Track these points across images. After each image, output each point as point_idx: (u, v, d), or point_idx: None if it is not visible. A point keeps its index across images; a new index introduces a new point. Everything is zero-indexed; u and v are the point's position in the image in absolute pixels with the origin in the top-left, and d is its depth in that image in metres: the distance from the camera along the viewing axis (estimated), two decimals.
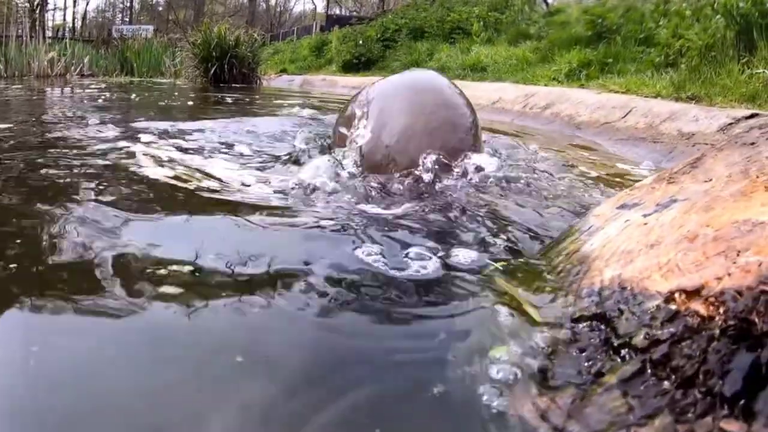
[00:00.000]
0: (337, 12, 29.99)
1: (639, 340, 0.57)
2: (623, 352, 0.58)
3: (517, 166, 1.91)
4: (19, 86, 8.35)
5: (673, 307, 0.56)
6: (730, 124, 3.38)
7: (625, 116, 3.90)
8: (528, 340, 0.68)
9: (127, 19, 33.50)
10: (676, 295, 0.57)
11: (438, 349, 0.73)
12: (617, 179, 2.18)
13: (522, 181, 1.57)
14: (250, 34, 11.21)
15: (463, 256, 1.03)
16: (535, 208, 1.39)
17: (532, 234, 1.18)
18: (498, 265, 0.98)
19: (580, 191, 1.69)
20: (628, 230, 0.79)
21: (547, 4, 11.11)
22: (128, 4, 34.94)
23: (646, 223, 0.77)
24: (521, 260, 0.99)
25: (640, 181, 1.17)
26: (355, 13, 28.36)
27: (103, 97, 6.10)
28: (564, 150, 3.08)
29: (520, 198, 1.43)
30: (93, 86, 8.62)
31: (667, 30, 5.84)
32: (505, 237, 1.13)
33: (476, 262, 1.00)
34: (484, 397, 0.61)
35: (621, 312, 0.62)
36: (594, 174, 2.26)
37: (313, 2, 37.70)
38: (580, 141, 3.64)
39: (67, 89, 7.79)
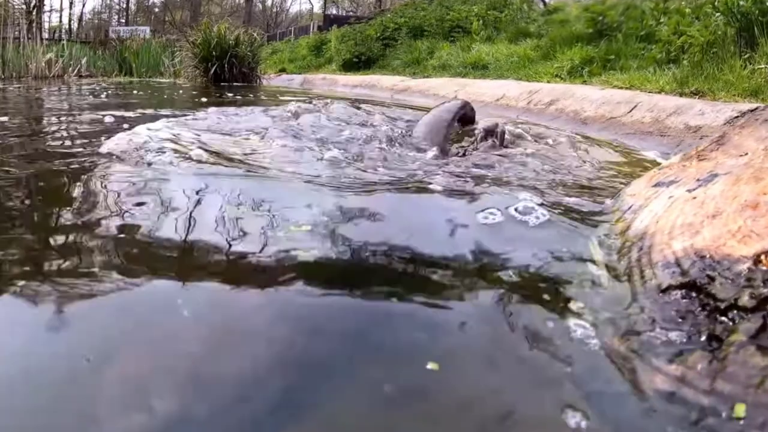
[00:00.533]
0: (334, 12, 29.99)
1: (745, 300, 0.60)
2: (731, 314, 0.61)
3: None
4: (18, 86, 8.34)
5: (765, 267, 0.59)
6: (736, 117, 3.42)
7: (630, 111, 3.94)
8: (622, 318, 0.70)
9: (123, 21, 33.44)
10: (763, 257, 0.60)
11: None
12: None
13: None
14: (249, 34, 11.23)
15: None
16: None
17: None
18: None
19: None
20: (677, 205, 0.82)
21: (544, 3, 11.16)
22: (124, 6, 34.87)
23: (695, 197, 0.80)
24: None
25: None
26: (351, 13, 28.38)
27: (117, 94, 6.11)
28: None
29: None
30: (94, 85, 8.61)
31: (668, 27, 5.88)
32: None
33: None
34: (608, 378, 0.63)
35: (712, 278, 0.64)
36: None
37: (310, 2, 37.72)
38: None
39: (72, 88, 7.78)
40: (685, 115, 3.58)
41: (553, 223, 1.01)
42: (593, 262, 0.85)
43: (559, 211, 1.07)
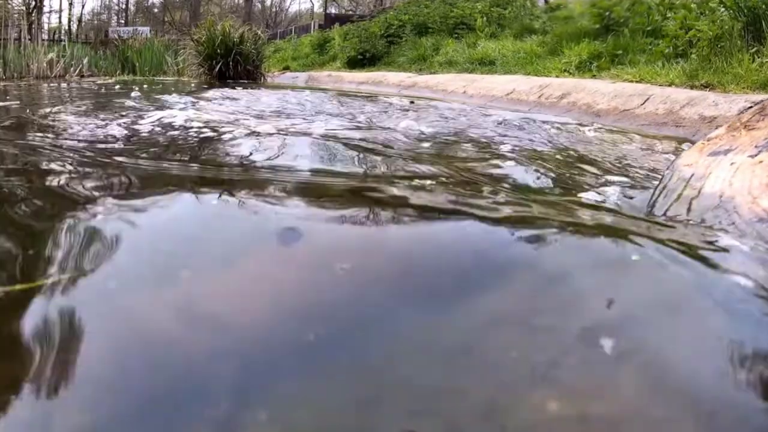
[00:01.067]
0: (333, 11, 30.03)
1: None
2: None
3: None
4: (28, 83, 8.37)
5: None
6: (749, 107, 3.48)
7: (643, 103, 4.00)
8: (749, 271, 0.76)
9: (123, 22, 33.43)
10: None
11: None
12: None
13: None
14: (253, 31, 11.28)
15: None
16: None
17: None
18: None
19: None
20: (744, 169, 0.88)
21: (546, 0, 11.22)
22: (123, 7, 34.87)
23: (761, 161, 0.86)
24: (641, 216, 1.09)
25: None
26: (351, 12, 28.41)
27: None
28: None
29: None
30: (101, 82, 8.64)
31: (674, 22, 5.95)
32: None
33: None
34: None
35: None
36: None
37: (311, 1, 37.78)
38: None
39: (83, 85, 7.81)
40: (699, 107, 3.65)
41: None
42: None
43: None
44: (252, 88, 5.90)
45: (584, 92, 4.61)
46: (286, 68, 14.21)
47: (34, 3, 27.57)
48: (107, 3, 35.34)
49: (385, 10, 15.35)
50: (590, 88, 4.64)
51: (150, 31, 23.73)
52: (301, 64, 14.32)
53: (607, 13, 6.73)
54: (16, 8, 24.54)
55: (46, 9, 30.19)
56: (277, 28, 31.02)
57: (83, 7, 34.91)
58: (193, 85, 7.22)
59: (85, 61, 15.40)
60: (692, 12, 6.04)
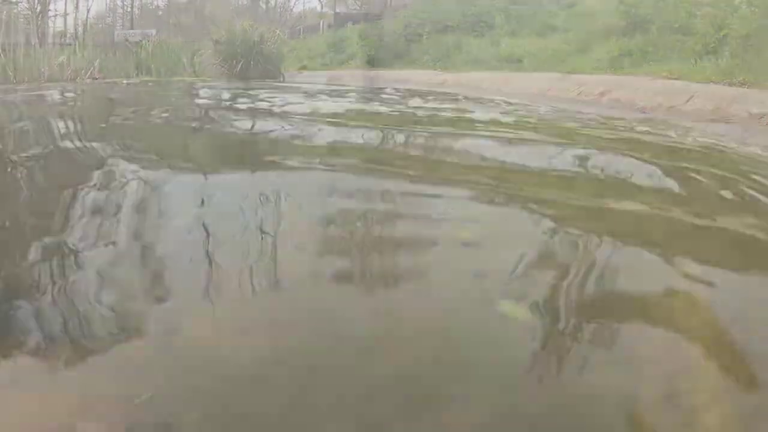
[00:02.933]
0: (338, 10, 29.96)
1: None
2: None
3: None
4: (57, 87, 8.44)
5: None
6: None
7: (688, 100, 4.15)
8: None
9: (128, 24, 33.35)
10: None
11: None
12: None
13: None
14: (272, 30, 11.42)
15: None
16: None
17: None
18: None
19: None
20: None
21: None
22: (129, 9, 34.82)
23: None
24: None
25: None
26: (355, 10, 28.39)
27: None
28: None
29: None
30: (127, 84, 8.73)
31: (703, 20, 6.07)
32: None
33: None
34: None
35: None
36: None
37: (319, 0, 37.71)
38: None
39: (119, 87, 7.89)
40: (746, 104, 3.80)
41: None
42: None
43: None
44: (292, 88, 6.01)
45: (624, 89, 4.76)
46: (303, 67, 14.30)
47: (39, 7, 27.57)
48: (111, 6, 35.33)
49: (398, 9, 15.42)
50: (630, 86, 4.78)
51: (156, 32, 23.73)
52: (318, 63, 14.41)
53: (633, 11, 6.85)
54: (22, 12, 24.52)
55: (51, 13, 30.20)
56: (284, 29, 31.01)
57: (89, 11, 34.88)
58: (221, 86, 7.31)
59: (96, 63, 15.43)
60: (721, 10, 6.17)
